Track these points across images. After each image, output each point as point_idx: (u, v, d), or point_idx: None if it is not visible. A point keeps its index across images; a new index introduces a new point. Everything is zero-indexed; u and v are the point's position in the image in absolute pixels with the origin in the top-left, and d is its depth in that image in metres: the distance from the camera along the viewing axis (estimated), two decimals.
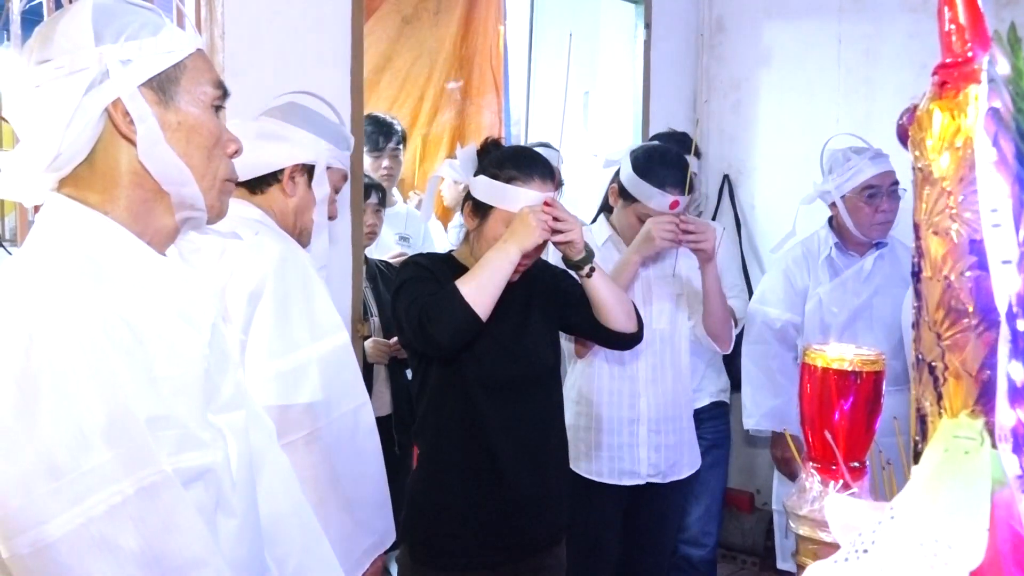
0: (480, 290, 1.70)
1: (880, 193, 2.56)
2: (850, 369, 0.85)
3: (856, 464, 0.86)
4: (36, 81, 0.95)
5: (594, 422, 2.28)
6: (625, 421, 2.29)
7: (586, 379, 2.30)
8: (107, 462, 0.84)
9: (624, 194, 2.25)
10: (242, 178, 1.63)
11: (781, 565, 2.86)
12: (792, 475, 2.73)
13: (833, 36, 3.17)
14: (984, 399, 0.62)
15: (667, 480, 2.33)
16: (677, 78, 3.49)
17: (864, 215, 2.58)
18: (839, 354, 0.87)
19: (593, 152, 3.54)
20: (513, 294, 1.80)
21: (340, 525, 1.61)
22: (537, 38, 4.13)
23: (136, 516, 0.85)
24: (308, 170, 1.73)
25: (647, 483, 2.30)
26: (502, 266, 1.72)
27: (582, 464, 2.26)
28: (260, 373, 1.53)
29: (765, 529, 3.27)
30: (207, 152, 1.01)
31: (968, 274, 0.64)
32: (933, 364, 0.67)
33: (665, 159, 2.22)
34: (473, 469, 1.82)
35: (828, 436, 0.83)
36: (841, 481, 0.83)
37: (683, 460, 2.35)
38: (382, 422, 1.93)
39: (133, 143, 0.97)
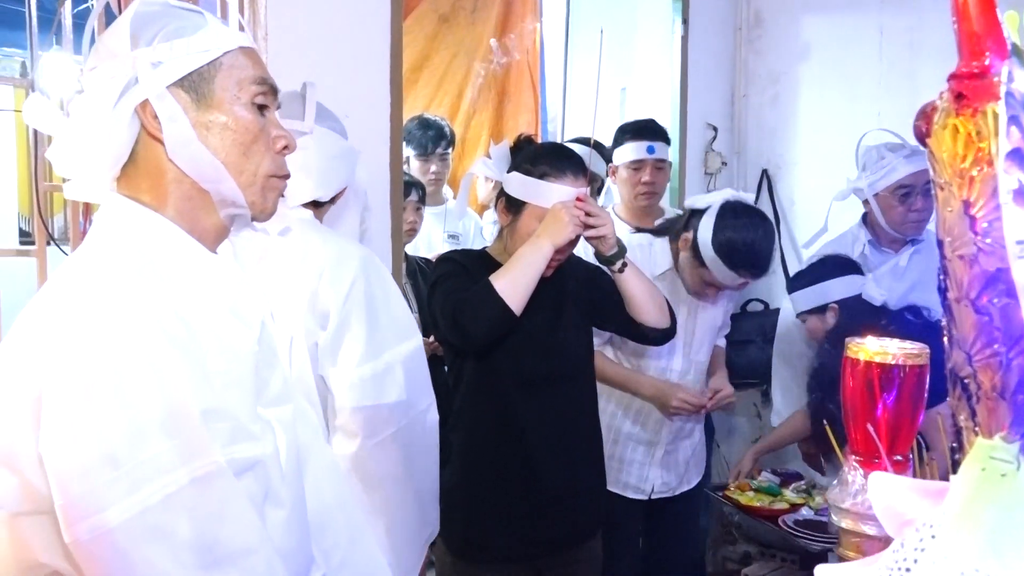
0: (514, 284, 1.72)
1: (914, 192, 2.51)
2: (893, 363, 0.85)
3: (899, 457, 0.85)
4: (83, 87, 0.99)
5: (612, 433, 2.31)
6: (644, 441, 2.33)
7: (619, 392, 2.33)
8: (163, 452, 0.87)
9: (697, 255, 2.18)
10: (327, 197, 1.72)
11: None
12: (818, 469, 2.73)
13: (874, 28, 3.12)
14: (1019, 423, 0.61)
15: (676, 493, 2.39)
16: (715, 73, 3.46)
17: (897, 214, 2.54)
18: (881, 348, 0.86)
19: None
20: (546, 289, 1.81)
21: (412, 518, 1.68)
22: (574, 35, 4.13)
23: (190, 505, 0.88)
24: None
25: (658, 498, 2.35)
26: (535, 261, 1.73)
27: None
28: (356, 374, 1.58)
29: None
30: (244, 149, 1.02)
31: (996, 301, 0.63)
32: (966, 381, 0.66)
33: (750, 251, 2.13)
34: (507, 463, 1.84)
35: (871, 430, 0.82)
36: None
37: (692, 473, 2.43)
38: None
39: (162, 143, 1.00)
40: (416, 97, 3.81)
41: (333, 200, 1.78)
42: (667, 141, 2.74)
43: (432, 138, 3.15)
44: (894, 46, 3.08)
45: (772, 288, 3.47)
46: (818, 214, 2.91)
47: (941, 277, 0.72)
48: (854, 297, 2.38)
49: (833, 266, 2.49)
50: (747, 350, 3.32)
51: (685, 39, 3.27)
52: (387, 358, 1.62)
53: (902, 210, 2.53)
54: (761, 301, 3.48)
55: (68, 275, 0.97)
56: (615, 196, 2.85)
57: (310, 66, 2.12)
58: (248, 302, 1.06)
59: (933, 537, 0.54)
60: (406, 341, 1.67)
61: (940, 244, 0.71)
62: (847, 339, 0.89)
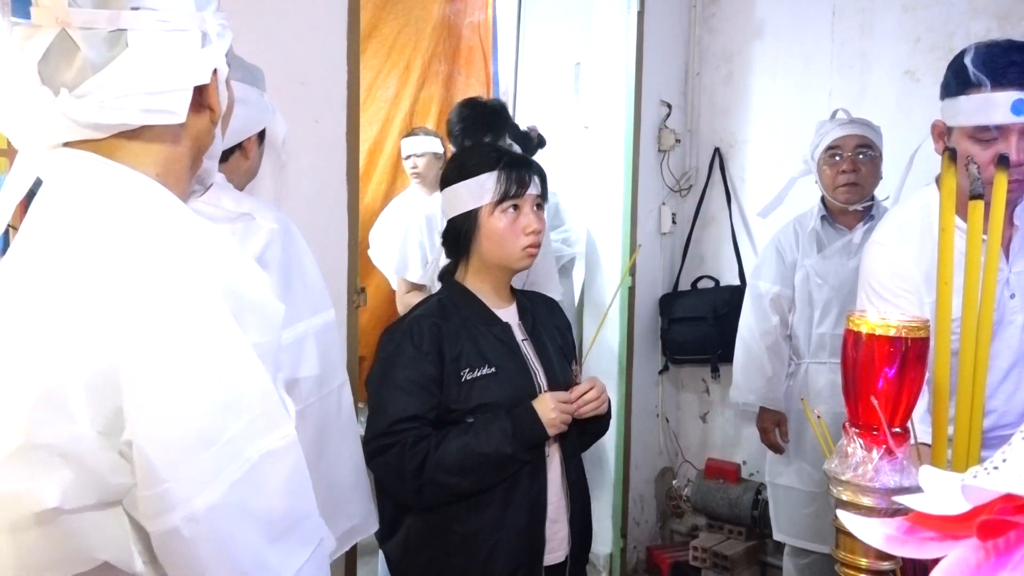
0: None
1: (841, 154, 2.60)
2: (895, 335, 0.84)
3: (898, 429, 0.85)
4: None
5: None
6: None
7: None
8: (243, 427, 0.82)
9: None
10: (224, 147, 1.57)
11: (777, 536, 2.91)
12: (774, 447, 2.79)
13: (827, 8, 3.16)
14: None
15: None
16: (670, 50, 3.46)
17: (828, 177, 2.63)
18: (883, 320, 0.86)
19: (584, 124, 3.51)
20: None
21: (321, 505, 1.56)
22: (526, 7, 4.08)
23: (261, 480, 0.84)
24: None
25: None
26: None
27: None
28: None
29: (752, 499, 3.31)
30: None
31: None
32: None
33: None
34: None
35: (874, 402, 0.82)
36: (884, 447, 0.83)
37: None
38: None
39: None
40: (364, 68, 3.70)
41: (244, 150, 1.60)
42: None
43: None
44: (846, 26, 3.12)
45: (722, 265, 3.51)
46: (770, 192, 2.95)
47: None
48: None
49: None
50: (698, 326, 3.37)
51: (641, 15, 3.25)
52: (300, 329, 1.51)
53: (832, 173, 2.62)
54: (711, 278, 3.52)
55: (96, 251, 0.84)
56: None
57: (265, 33, 2.04)
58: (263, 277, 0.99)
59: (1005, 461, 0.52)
60: (320, 313, 1.57)
61: None
62: (848, 310, 0.89)
